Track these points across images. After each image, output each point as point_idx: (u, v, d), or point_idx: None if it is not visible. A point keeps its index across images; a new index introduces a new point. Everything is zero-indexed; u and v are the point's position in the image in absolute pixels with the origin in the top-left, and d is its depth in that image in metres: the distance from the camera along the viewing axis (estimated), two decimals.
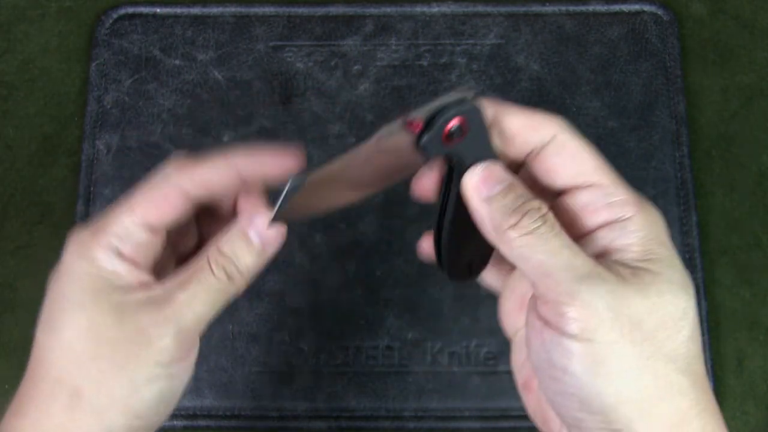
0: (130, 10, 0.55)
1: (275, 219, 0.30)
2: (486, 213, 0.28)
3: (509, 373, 0.39)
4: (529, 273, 0.28)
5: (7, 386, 0.49)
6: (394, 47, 0.54)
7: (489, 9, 0.55)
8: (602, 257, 0.29)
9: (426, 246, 0.33)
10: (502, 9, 0.55)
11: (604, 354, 0.26)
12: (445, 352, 0.49)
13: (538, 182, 0.31)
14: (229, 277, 0.31)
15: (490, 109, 0.30)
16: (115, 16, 0.55)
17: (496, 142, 0.30)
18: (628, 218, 0.28)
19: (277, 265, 0.50)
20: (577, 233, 0.29)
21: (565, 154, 0.29)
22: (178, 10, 0.55)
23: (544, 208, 0.28)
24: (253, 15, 0.55)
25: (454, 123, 0.28)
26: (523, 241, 0.27)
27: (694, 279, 0.50)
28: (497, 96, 0.53)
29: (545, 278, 0.27)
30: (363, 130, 0.52)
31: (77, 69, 0.55)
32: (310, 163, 0.54)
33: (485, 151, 0.30)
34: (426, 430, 0.48)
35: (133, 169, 0.52)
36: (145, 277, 0.30)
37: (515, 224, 0.27)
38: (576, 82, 0.53)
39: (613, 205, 0.29)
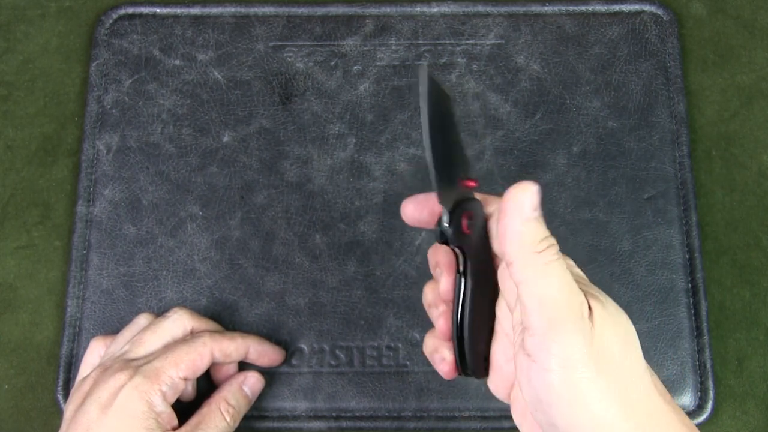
0: (130, 10, 0.55)
1: None
2: (519, 230, 0.30)
3: None
4: (529, 299, 0.30)
5: (6, 386, 0.49)
6: (394, 47, 0.54)
7: (489, 9, 0.55)
8: None
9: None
10: (502, 9, 0.55)
11: (582, 387, 0.29)
12: None
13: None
14: (234, 420, 0.43)
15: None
16: (115, 16, 0.55)
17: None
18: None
19: (277, 265, 0.50)
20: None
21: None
22: (178, 10, 0.55)
23: (558, 248, 0.31)
24: (253, 15, 0.55)
25: (467, 216, 0.32)
26: (539, 268, 0.30)
27: (694, 279, 0.50)
28: (499, 96, 0.53)
29: (542, 307, 0.29)
30: (363, 130, 0.52)
31: (77, 69, 0.55)
32: (310, 164, 0.54)
33: (486, 244, 0.34)
34: (426, 430, 0.48)
35: (133, 169, 0.52)
36: (174, 419, 0.41)
37: (542, 251, 0.30)
38: (576, 82, 0.53)
39: None
